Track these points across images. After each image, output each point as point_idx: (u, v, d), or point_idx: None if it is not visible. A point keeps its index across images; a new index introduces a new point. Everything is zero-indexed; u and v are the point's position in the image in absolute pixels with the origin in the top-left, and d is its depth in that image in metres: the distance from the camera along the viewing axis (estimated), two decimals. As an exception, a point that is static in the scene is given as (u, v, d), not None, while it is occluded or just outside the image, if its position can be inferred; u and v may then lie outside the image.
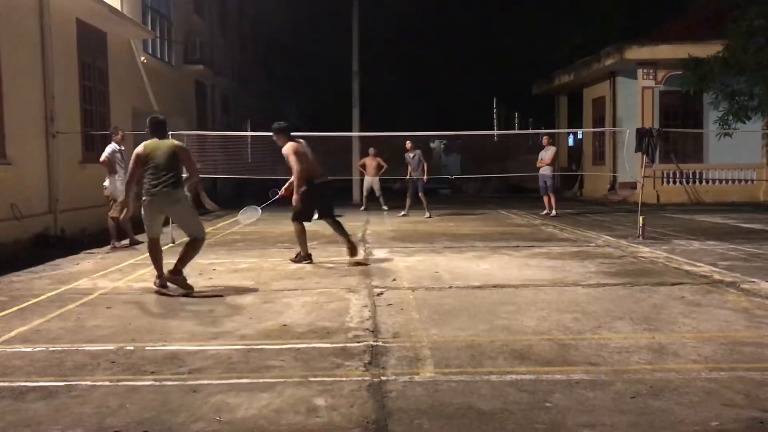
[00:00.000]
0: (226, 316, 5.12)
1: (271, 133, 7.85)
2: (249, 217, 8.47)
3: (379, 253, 8.49)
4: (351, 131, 19.00)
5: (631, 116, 18.40)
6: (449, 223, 12.75)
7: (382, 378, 3.58)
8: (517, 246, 9.06)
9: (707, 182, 18.34)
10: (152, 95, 14.39)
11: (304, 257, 7.73)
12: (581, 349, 4.09)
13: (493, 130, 33.94)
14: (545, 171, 13.90)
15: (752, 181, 18.21)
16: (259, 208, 8.32)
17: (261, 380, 3.58)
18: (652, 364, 3.80)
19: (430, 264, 7.55)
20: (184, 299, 5.79)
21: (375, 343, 4.25)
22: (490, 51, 29.57)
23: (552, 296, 5.70)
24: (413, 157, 13.95)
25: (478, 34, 29.86)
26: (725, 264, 7.29)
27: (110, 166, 9.21)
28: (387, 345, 4.22)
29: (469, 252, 8.55)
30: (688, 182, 18.24)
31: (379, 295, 5.80)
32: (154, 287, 6.14)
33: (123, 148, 9.43)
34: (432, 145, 33.91)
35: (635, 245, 8.95)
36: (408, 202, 14.34)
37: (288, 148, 7.55)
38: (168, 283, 6.14)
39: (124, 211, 7.32)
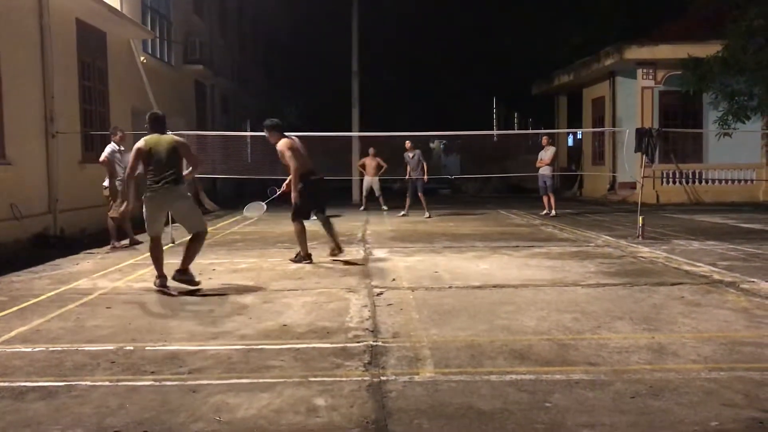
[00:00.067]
0: (225, 316, 5.12)
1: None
2: (254, 212, 8.67)
3: (378, 253, 8.49)
4: (351, 131, 19.01)
5: (630, 116, 18.41)
6: (449, 223, 12.75)
7: (382, 378, 3.58)
8: (517, 246, 9.06)
9: (707, 182, 18.35)
10: (152, 95, 14.38)
11: (304, 257, 7.73)
12: (581, 349, 4.10)
13: (493, 130, 33.94)
14: (545, 171, 13.91)
15: (752, 181, 18.22)
16: (263, 204, 8.42)
17: (261, 380, 3.58)
18: (651, 364, 3.80)
19: (429, 264, 7.55)
20: (183, 299, 5.79)
21: (375, 343, 4.25)
22: (490, 51, 29.55)
23: (552, 296, 5.70)
24: (412, 156, 13.95)
25: (478, 34, 29.84)
26: (725, 264, 7.29)
27: (110, 166, 9.20)
28: (387, 345, 4.22)
29: (469, 252, 8.55)
30: (687, 182, 18.25)
31: (378, 295, 5.80)
32: (155, 287, 6.15)
33: (122, 148, 9.42)
34: (432, 145, 33.91)
35: (635, 245, 8.95)
36: (407, 202, 14.35)
37: (283, 145, 7.52)
38: (167, 284, 6.16)
39: (124, 204, 7.26)
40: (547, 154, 13.88)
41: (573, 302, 5.44)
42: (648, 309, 5.19)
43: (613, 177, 19.09)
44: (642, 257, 7.91)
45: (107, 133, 10.32)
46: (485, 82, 31.98)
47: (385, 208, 15.46)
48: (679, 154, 18.34)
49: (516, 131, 33.45)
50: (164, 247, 6.70)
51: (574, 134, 25.56)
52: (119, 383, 3.56)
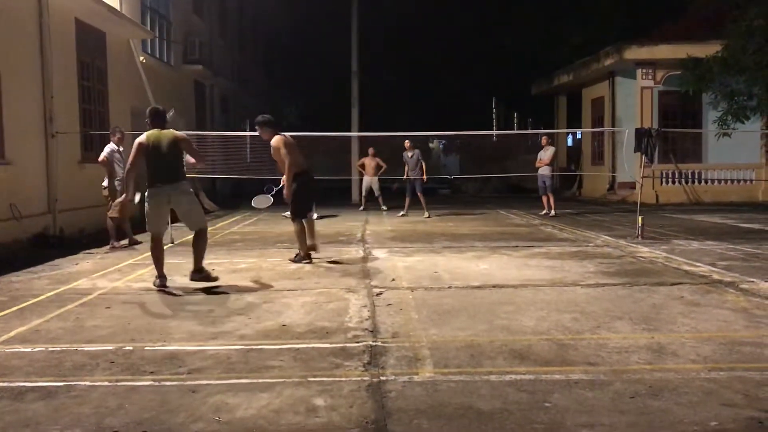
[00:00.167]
0: (225, 316, 5.12)
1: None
2: (262, 204, 8.80)
3: (378, 253, 8.49)
4: (350, 131, 19.01)
5: (630, 116, 18.41)
6: (448, 223, 12.75)
7: (382, 378, 3.58)
8: (517, 246, 9.06)
9: (706, 182, 18.35)
10: (151, 95, 14.38)
11: (304, 257, 7.73)
12: (580, 349, 4.10)
13: (493, 130, 33.94)
14: (544, 171, 13.91)
15: (751, 181, 18.22)
16: (270, 196, 8.48)
17: (260, 380, 3.58)
18: (651, 364, 3.80)
19: (429, 264, 7.55)
20: (183, 299, 5.79)
21: (374, 343, 4.25)
22: (490, 51, 29.56)
23: (551, 296, 5.70)
24: (411, 156, 13.96)
25: (478, 34, 29.84)
26: (724, 264, 7.30)
27: (109, 167, 9.20)
28: (386, 345, 4.22)
29: (469, 252, 8.55)
30: (687, 182, 18.26)
31: (378, 295, 5.80)
32: (154, 287, 6.15)
33: (122, 148, 9.42)
34: (431, 145, 33.91)
35: (634, 245, 8.96)
36: (407, 202, 14.34)
37: (278, 141, 7.48)
38: (167, 283, 6.18)
39: (123, 196, 7.20)
40: (546, 154, 13.88)
41: (572, 302, 5.44)
42: (647, 309, 5.19)
43: (613, 177, 19.09)
44: (641, 257, 7.91)
45: (107, 133, 10.32)
46: (485, 82, 31.99)
47: (384, 208, 15.46)
48: (679, 154, 18.35)
49: (515, 131, 33.46)
50: (164, 247, 6.69)
51: (574, 134, 25.57)
52: (118, 383, 3.56)
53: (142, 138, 6.15)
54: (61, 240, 9.62)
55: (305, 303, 5.51)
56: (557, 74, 22.65)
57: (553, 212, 13.80)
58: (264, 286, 6.30)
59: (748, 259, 7.72)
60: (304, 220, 7.73)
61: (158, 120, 6.28)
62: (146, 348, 4.23)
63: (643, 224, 9.68)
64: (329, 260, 7.91)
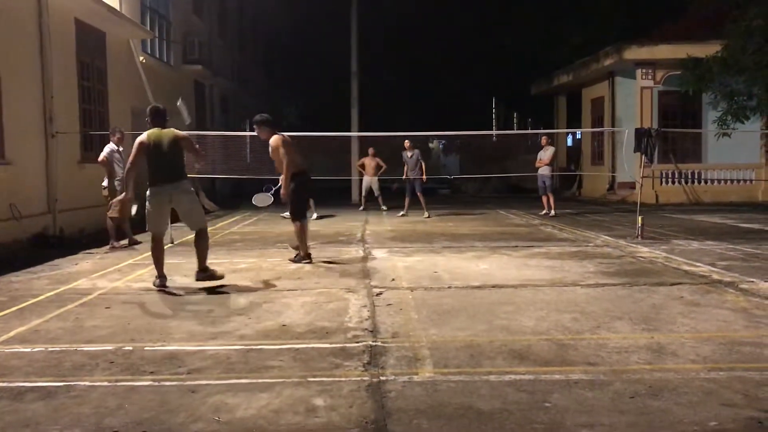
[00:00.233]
0: (225, 316, 5.12)
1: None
2: (262, 202, 8.85)
3: (378, 253, 8.49)
4: (350, 131, 19.00)
5: (629, 116, 18.41)
6: (448, 223, 12.75)
7: (381, 378, 3.58)
8: (516, 246, 9.06)
9: (706, 182, 18.35)
10: (151, 95, 14.37)
11: (304, 257, 7.73)
12: (580, 349, 4.10)
13: (492, 130, 33.95)
14: (544, 171, 13.91)
15: (751, 181, 18.22)
16: (271, 195, 8.48)
17: (260, 380, 3.58)
18: (651, 364, 3.80)
19: (429, 264, 7.55)
20: (182, 299, 5.79)
21: (374, 343, 4.25)
22: (490, 51, 29.56)
23: (551, 296, 5.70)
24: (411, 156, 13.96)
25: (478, 34, 29.84)
26: (724, 264, 7.30)
27: (108, 167, 9.20)
28: (386, 345, 4.22)
29: (468, 252, 8.55)
30: (686, 182, 18.25)
31: (378, 295, 5.80)
32: (154, 287, 6.15)
33: (121, 148, 9.42)
34: (431, 145, 33.92)
35: (634, 245, 8.96)
36: (406, 202, 14.35)
37: (276, 141, 7.47)
38: (166, 283, 6.19)
39: (122, 195, 7.17)
40: (546, 154, 13.88)
41: (572, 302, 5.44)
42: (647, 309, 5.19)
43: (613, 177, 19.09)
44: (641, 257, 7.91)
45: (106, 133, 10.32)
46: (485, 82, 31.98)
47: (384, 208, 15.46)
48: (679, 154, 18.35)
49: (515, 131, 33.45)
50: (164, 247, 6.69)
51: (574, 134, 25.56)
52: (118, 383, 3.56)
53: (142, 137, 6.14)
54: (61, 240, 9.61)
55: (305, 303, 5.51)
56: (557, 74, 22.65)
57: (552, 212, 13.80)
58: (264, 286, 6.30)
59: (747, 259, 7.72)
60: (297, 221, 7.75)
61: (159, 119, 6.27)
62: (146, 348, 4.23)
63: (642, 224, 9.68)
64: (329, 260, 7.91)
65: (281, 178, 7.71)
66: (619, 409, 3.12)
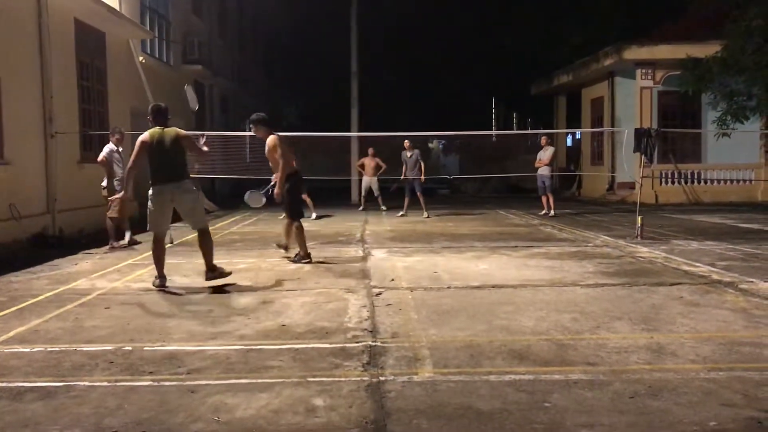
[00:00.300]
0: (224, 316, 5.12)
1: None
2: (254, 202, 8.73)
3: (377, 254, 8.49)
4: (350, 131, 19.00)
5: (629, 116, 18.42)
6: (448, 223, 12.75)
7: (381, 378, 3.58)
8: (516, 246, 9.06)
9: (705, 182, 18.36)
10: (150, 95, 14.36)
11: (303, 257, 7.73)
12: (580, 349, 4.10)
13: (492, 130, 33.95)
14: (544, 171, 13.91)
15: (750, 181, 18.23)
16: (263, 195, 8.43)
17: (259, 380, 3.57)
18: (650, 364, 3.80)
19: (428, 264, 7.55)
20: (182, 299, 5.79)
21: (374, 344, 4.25)
22: (490, 51, 29.56)
23: (550, 296, 5.70)
24: (411, 156, 13.97)
25: (478, 34, 29.85)
26: (723, 264, 7.30)
27: (108, 167, 9.20)
28: (386, 345, 4.22)
29: (468, 252, 8.55)
30: (686, 182, 18.26)
31: (377, 295, 5.80)
32: (153, 287, 6.15)
33: (121, 148, 9.42)
34: (431, 145, 33.93)
35: (634, 245, 8.96)
36: (406, 202, 14.35)
37: (274, 141, 7.49)
38: (165, 283, 6.19)
39: (121, 193, 7.13)
40: (546, 154, 13.88)
41: (572, 302, 5.44)
42: (647, 309, 5.19)
43: (612, 177, 19.10)
44: (641, 257, 7.91)
45: (106, 133, 10.31)
46: (485, 82, 31.98)
47: (383, 208, 15.46)
48: (678, 154, 18.35)
49: (515, 131, 33.46)
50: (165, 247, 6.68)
51: (573, 134, 25.56)
52: (118, 383, 3.56)
53: (144, 136, 6.13)
54: (61, 240, 9.61)
55: (305, 303, 5.51)
56: (557, 74, 22.65)
57: (552, 212, 13.80)
58: (263, 286, 6.30)
59: (747, 259, 7.73)
60: (295, 221, 7.76)
61: (160, 117, 6.25)
62: (145, 348, 4.22)
63: (642, 224, 9.68)
64: (329, 260, 7.90)
65: (274, 177, 7.74)
66: (618, 409, 3.12)
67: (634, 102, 18.51)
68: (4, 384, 3.57)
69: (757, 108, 15.28)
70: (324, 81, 29.48)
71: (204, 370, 3.77)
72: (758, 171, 18.24)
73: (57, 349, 4.24)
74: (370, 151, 15.76)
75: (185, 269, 7.27)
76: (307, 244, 7.84)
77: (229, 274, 6.37)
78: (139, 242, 9.35)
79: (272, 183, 8.32)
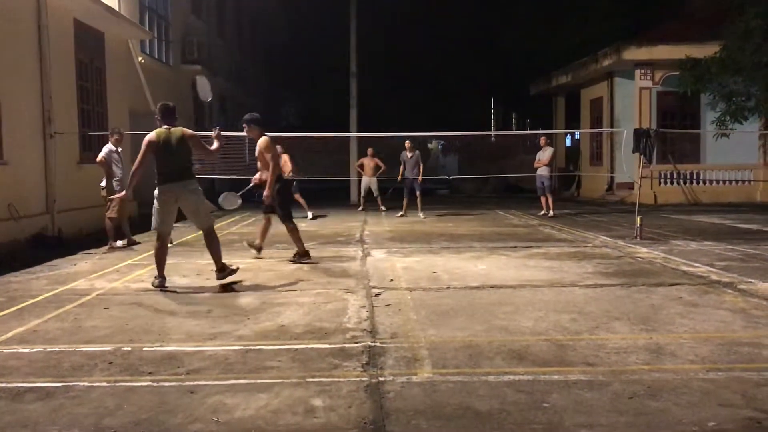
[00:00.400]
0: (223, 316, 5.12)
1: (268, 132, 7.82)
2: (229, 204, 8.51)
3: (376, 254, 8.49)
4: (349, 131, 19.00)
5: (628, 117, 18.43)
6: (447, 224, 12.75)
7: (380, 378, 3.58)
8: (515, 246, 9.07)
9: (704, 183, 18.36)
10: (149, 95, 14.37)
11: (303, 255, 7.74)
12: (579, 350, 4.10)
13: (491, 130, 33.97)
14: (543, 171, 13.92)
15: (749, 181, 18.24)
16: (238, 196, 8.36)
17: (259, 381, 3.58)
18: (649, 365, 3.81)
19: (427, 264, 7.55)
20: (181, 300, 5.78)
21: (373, 344, 4.25)
22: (489, 51, 29.58)
23: (549, 297, 5.70)
24: (411, 157, 13.98)
25: (478, 35, 29.87)
26: (722, 264, 7.30)
27: (107, 167, 9.20)
28: (385, 345, 4.22)
29: (467, 252, 8.55)
30: (685, 183, 18.27)
31: (376, 295, 5.80)
32: (152, 287, 6.15)
33: (120, 149, 9.42)
34: (430, 145, 33.96)
35: (633, 246, 8.96)
36: (405, 202, 14.35)
37: (266, 142, 7.53)
38: (165, 284, 6.19)
39: (122, 193, 7.09)
40: (545, 154, 13.88)
41: (571, 303, 5.45)
42: (646, 309, 5.19)
43: (611, 177, 19.11)
44: (640, 258, 7.92)
45: (105, 134, 10.31)
46: (484, 83, 32.00)
47: (383, 208, 15.46)
48: (677, 154, 18.36)
49: (514, 132, 33.48)
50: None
51: (572, 135, 25.58)
52: (117, 384, 3.56)
53: (151, 135, 6.12)
54: (60, 240, 9.60)
55: (304, 303, 5.51)
56: (556, 75, 22.66)
57: (551, 213, 13.80)
58: (262, 287, 6.30)
59: (746, 259, 7.73)
60: (266, 222, 7.87)
61: (169, 116, 6.24)
62: (144, 348, 4.22)
63: (641, 225, 9.68)
64: (328, 261, 7.90)
65: (254, 178, 7.77)
66: (617, 410, 3.12)
67: (633, 102, 18.52)
68: (3, 384, 3.57)
69: (756, 108, 15.29)
70: (323, 81, 29.48)
71: (203, 371, 3.77)
72: (757, 171, 18.25)
73: (56, 349, 4.23)
74: (370, 151, 15.76)
75: (184, 269, 7.28)
76: (304, 244, 7.84)
77: (237, 269, 6.44)
78: (139, 242, 9.35)
79: (251, 185, 8.33)
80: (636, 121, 17.32)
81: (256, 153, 7.63)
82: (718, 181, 18.36)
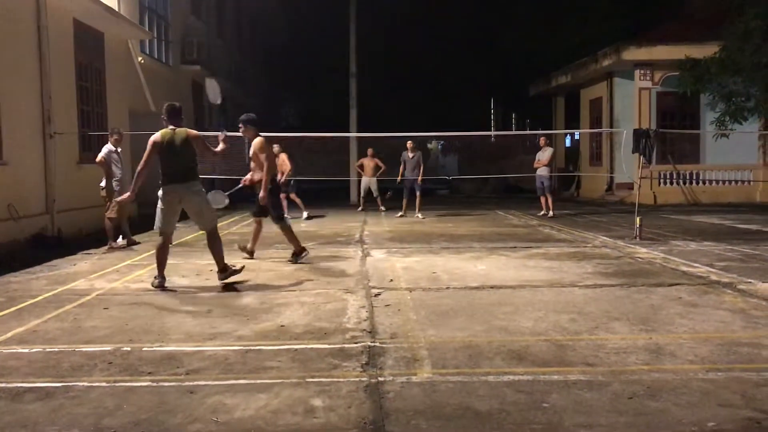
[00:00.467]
0: (223, 316, 5.12)
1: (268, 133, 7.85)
2: (217, 203, 8.44)
3: (376, 254, 8.49)
4: (349, 131, 19.01)
5: (628, 117, 18.43)
6: (447, 224, 12.76)
7: (380, 379, 3.58)
8: (515, 247, 9.07)
9: (704, 183, 18.37)
10: (149, 95, 14.37)
11: (300, 252, 7.75)
12: (578, 350, 4.10)
13: (491, 130, 33.98)
14: (542, 172, 13.92)
15: (749, 182, 18.25)
16: (226, 195, 8.35)
17: (258, 381, 3.58)
18: (649, 365, 3.81)
19: (427, 265, 7.56)
20: (181, 300, 5.78)
21: (372, 344, 4.25)
22: (489, 51, 29.58)
23: (549, 297, 5.70)
24: (412, 157, 13.98)
25: (477, 35, 29.87)
26: (722, 265, 7.30)
27: (106, 167, 9.19)
28: (384, 346, 4.22)
29: (467, 253, 8.55)
30: (685, 183, 18.27)
31: (376, 295, 5.80)
32: (152, 287, 6.15)
33: (119, 149, 9.42)
34: (429, 146, 33.95)
35: (632, 246, 8.96)
36: (404, 202, 14.36)
37: (262, 143, 7.56)
38: (164, 284, 6.19)
39: (126, 195, 7.08)
40: (544, 154, 13.89)
41: (570, 303, 5.45)
42: (645, 310, 5.19)
43: (611, 178, 19.11)
44: (639, 258, 7.92)
45: (105, 134, 10.31)
46: (484, 83, 32.01)
47: (383, 208, 15.46)
48: (677, 155, 18.36)
49: (514, 132, 33.49)
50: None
51: (572, 135, 25.58)
52: (116, 384, 3.56)
53: (156, 136, 6.12)
54: (59, 240, 9.60)
55: (303, 303, 5.51)
56: (555, 75, 22.67)
57: (551, 213, 13.81)
58: (262, 287, 6.30)
59: (745, 259, 7.73)
60: (257, 223, 7.93)
61: (175, 116, 6.24)
62: (144, 349, 4.22)
63: (641, 225, 9.68)
64: (328, 261, 7.91)
65: (244, 179, 7.79)
66: (617, 410, 3.13)
67: (632, 103, 18.52)
68: (2, 384, 3.57)
69: (756, 109, 15.29)
70: (323, 81, 29.48)
71: (203, 371, 3.77)
72: (756, 172, 18.25)
73: (56, 349, 4.23)
74: (370, 151, 15.77)
75: (184, 269, 7.27)
76: (301, 242, 7.86)
77: (241, 269, 6.46)
78: (139, 242, 9.35)
79: (240, 185, 8.33)
80: (635, 122, 17.33)
81: (251, 153, 7.65)
82: (717, 182, 18.36)
